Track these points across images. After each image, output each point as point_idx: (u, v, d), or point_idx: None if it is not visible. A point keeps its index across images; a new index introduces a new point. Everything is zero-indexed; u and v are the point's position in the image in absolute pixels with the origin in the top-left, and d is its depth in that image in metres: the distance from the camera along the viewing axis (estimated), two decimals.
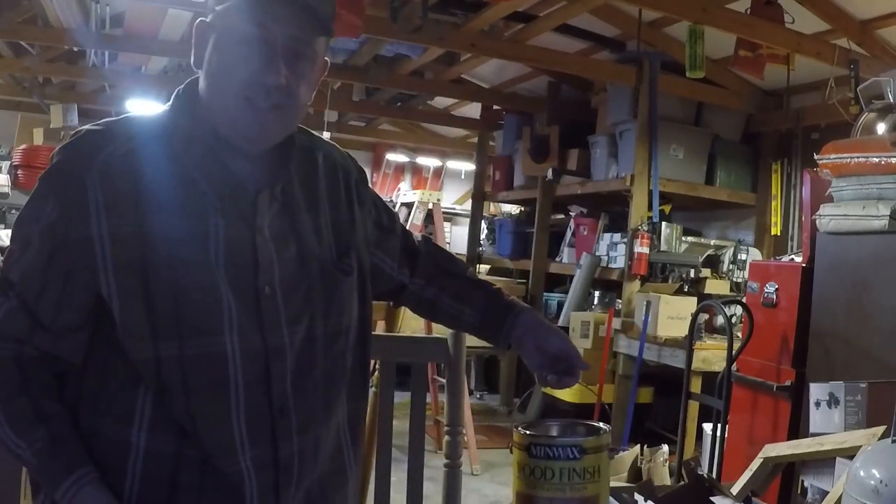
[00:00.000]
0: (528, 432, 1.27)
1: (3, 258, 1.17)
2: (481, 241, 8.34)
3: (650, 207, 5.63)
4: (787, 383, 3.45)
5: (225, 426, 1.15)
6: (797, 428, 3.30)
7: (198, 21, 1.22)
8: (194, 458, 1.15)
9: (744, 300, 3.97)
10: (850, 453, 2.21)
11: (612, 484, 1.67)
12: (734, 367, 3.70)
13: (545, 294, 7.20)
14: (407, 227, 1.55)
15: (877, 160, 3.06)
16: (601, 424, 1.34)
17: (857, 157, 3.14)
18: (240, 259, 1.17)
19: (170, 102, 1.24)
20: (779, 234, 5.82)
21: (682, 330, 4.80)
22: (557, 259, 7.05)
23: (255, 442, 1.17)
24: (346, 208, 1.34)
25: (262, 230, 1.20)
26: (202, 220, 1.16)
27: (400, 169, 11.33)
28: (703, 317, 4.81)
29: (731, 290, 5.60)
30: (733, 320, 4.48)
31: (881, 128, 3.52)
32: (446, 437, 1.87)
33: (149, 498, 1.15)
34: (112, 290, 1.12)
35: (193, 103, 1.22)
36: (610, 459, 1.43)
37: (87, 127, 1.19)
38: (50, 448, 1.11)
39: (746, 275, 4.79)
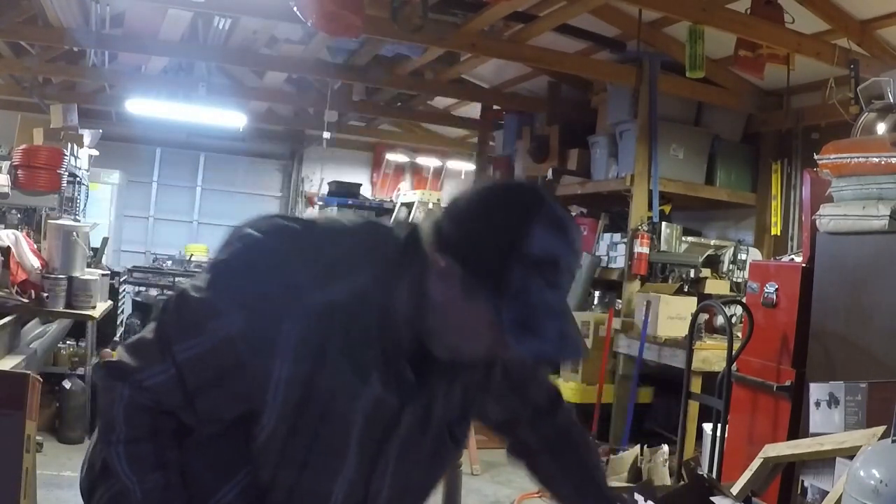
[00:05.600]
0: None
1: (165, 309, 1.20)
2: None
3: (650, 207, 5.63)
4: (787, 383, 3.45)
5: None
6: (797, 428, 3.30)
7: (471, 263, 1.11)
8: None
9: (744, 300, 3.97)
10: (850, 453, 2.21)
11: (612, 484, 1.70)
12: (734, 367, 3.70)
13: None
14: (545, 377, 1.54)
15: (877, 160, 3.06)
16: None
17: (857, 157, 3.14)
18: (379, 424, 1.21)
19: (378, 255, 1.18)
20: (779, 234, 5.82)
21: (682, 330, 4.80)
22: None
23: None
24: (485, 368, 1.34)
25: (411, 407, 1.22)
26: (363, 383, 1.17)
27: (400, 169, 11.32)
28: (703, 317, 4.81)
29: (731, 290, 5.59)
30: (733, 320, 4.48)
31: (881, 128, 3.52)
32: None
33: None
34: (269, 414, 1.17)
35: (400, 277, 1.17)
36: None
37: (300, 247, 1.16)
38: (161, 492, 1.17)
39: (746, 275, 4.80)
